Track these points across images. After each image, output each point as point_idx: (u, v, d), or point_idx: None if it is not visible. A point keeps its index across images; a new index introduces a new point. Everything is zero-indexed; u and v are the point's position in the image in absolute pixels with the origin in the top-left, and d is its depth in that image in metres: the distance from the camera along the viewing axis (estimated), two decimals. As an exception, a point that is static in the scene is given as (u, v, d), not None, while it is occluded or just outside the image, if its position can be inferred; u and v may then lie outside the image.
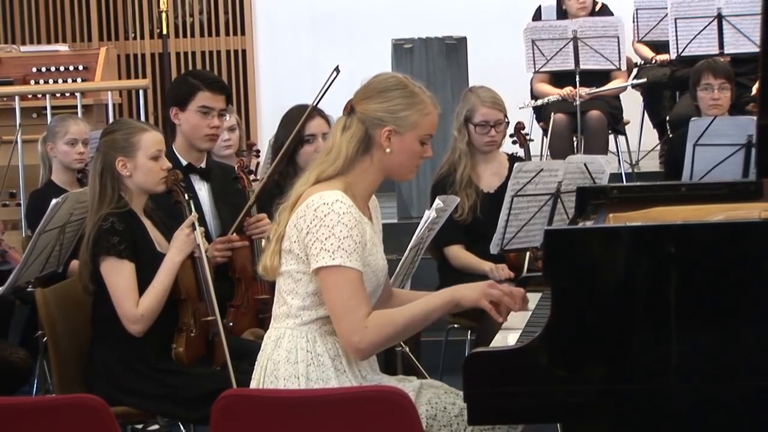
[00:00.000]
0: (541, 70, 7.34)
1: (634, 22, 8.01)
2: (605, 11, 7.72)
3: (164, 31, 9.17)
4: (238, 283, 4.56)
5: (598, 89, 7.30)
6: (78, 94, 7.91)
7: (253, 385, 3.30)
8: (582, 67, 7.21)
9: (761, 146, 3.19)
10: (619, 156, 7.66)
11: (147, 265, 4.05)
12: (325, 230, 3.12)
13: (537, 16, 7.92)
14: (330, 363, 3.21)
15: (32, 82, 8.86)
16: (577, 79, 7.19)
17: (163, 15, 9.16)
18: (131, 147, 4.11)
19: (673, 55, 7.34)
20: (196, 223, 4.11)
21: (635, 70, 8.12)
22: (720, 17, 7.10)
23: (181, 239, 4.09)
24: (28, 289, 5.13)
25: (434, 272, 5.38)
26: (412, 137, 3.25)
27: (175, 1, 10.18)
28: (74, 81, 8.70)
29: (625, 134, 7.73)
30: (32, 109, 8.29)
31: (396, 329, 3.17)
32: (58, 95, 8.35)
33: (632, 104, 8.10)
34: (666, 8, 7.38)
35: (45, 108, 7.78)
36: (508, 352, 2.95)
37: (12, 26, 10.36)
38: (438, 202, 4.09)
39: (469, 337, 5.26)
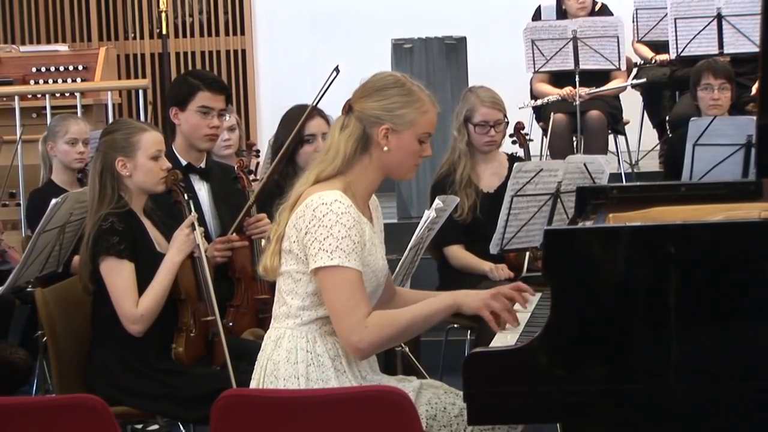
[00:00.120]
0: (541, 70, 7.34)
1: (633, 22, 8.01)
2: (605, 11, 7.72)
3: (164, 31, 9.17)
4: (237, 283, 4.56)
5: (597, 89, 7.30)
6: (78, 94, 7.91)
7: (252, 385, 3.30)
8: (582, 67, 7.21)
9: (761, 146, 3.19)
10: (618, 156, 7.66)
11: (147, 265, 4.05)
12: (323, 230, 3.12)
13: (537, 16, 7.92)
14: (330, 363, 3.21)
15: (32, 82, 8.86)
16: (577, 79, 7.19)
17: (163, 15, 9.16)
18: (131, 147, 4.11)
19: (672, 55, 7.35)
20: (196, 223, 4.11)
21: (635, 70, 8.13)
22: (720, 17, 7.10)
23: (181, 239, 4.09)
24: (28, 289, 5.13)
25: (434, 272, 5.38)
26: (410, 135, 3.24)
27: (174, 1, 10.18)
28: (74, 81, 8.70)
29: (624, 134, 7.73)
30: (32, 109, 8.29)
31: (396, 330, 3.17)
32: (57, 95, 8.35)
33: (632, 104, 8.11)
34: (666, 8, 7.38)
35: (45, 108, 7.79)
36: (507, 352, 2.95)
37: (12, 26, 10.36)
38: (438, 202, 4.09)
39: (469, 337, 5.26)
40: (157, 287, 4.03)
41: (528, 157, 5.69)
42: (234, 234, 4.53)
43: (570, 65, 7.23)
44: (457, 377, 2.99)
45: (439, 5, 9.62)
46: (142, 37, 10.38)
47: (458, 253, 5.23)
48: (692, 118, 6.03)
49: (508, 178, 5.00)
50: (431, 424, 3.23)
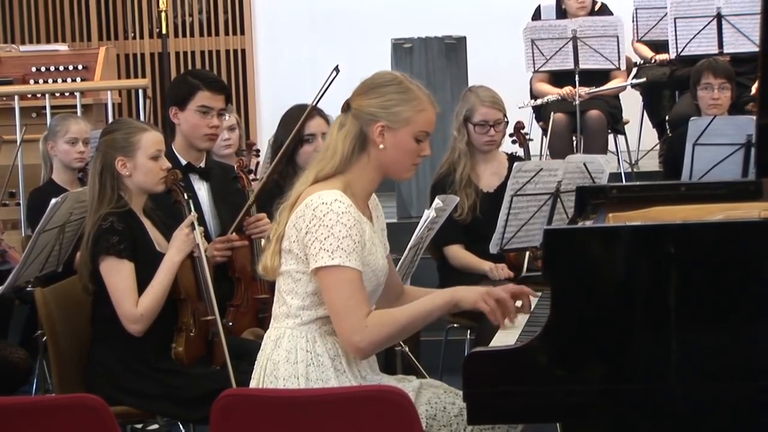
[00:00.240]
0: (541, 69, 7.35)
1: (633, 21, 8.01)
2: (605, 11, 7.72)
3: (164, 31, 9.17)
4: (237, 282, 4.56)
5: (597, 89, 7.30)
6: (77, 94, 7.91)
7: (252, 384, 3.29)
8: (581, 66, 7.21)
9: (761, 146, 3.19)
10: (618, 156, 7.66)
11: (146, 265, 4.05)
12: (323, 230, 3.12)
13: (536, 15, 7.92)
14: (330, 363, 3.20)
15: (32, 81, 8.85)
16: (577, 78, 7.19)
17: (163, 15, 9.16)
18: (131, 147, 4.11)
19: (672, 55, 7.35)
20: (196, 223, 4.11)
21: (635, 70, 8.13)
22: (719, 17, 7.10)
23: (181, 239, 4.09)
24: (28, 289, 5.13)
25: (434, 272, 5.38)
26: (406, 133, 3.23)
27: (174, 1, 10.18)
28: (74, 81, 8.70)
29: (624, 134, 7.73)
30: (32, 109, 8.29)
31: (396, 328, 3.17)
32: (57, 95, 8.35)
33: (632, 104, 8.11)
34: (665, 8, 7.38)
35: (44, 108, 7.78)
36: (507, 352, 2.95)
37: (11, 26, 10.36)
38: (437, 201, 4.09)
39: (468, 336, 5.26)
40: (157, 287, 4.03)
41: (528, 156, 5.69)
42: (234, 234, 4.52)
43: (570, 65, 7.23)
44: (457, 377, 2.99)
45: (439, 5, 9.62)
46: (142, 37, 10.38)
47: (458, 253, 5.23)
48: (692, 118, 6.03)
49: (508, 177, 5.00)
50: (431, 424, 3.23)
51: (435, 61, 7.36)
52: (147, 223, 4.17)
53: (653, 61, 7.94)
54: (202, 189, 4.68)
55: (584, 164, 4.99)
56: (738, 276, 2.88)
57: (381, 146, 3.22)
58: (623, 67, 7.39)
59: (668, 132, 7.33)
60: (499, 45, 8.77)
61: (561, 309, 2.90)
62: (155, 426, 4.69)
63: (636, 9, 8.03)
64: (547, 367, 2.89)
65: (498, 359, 2.94)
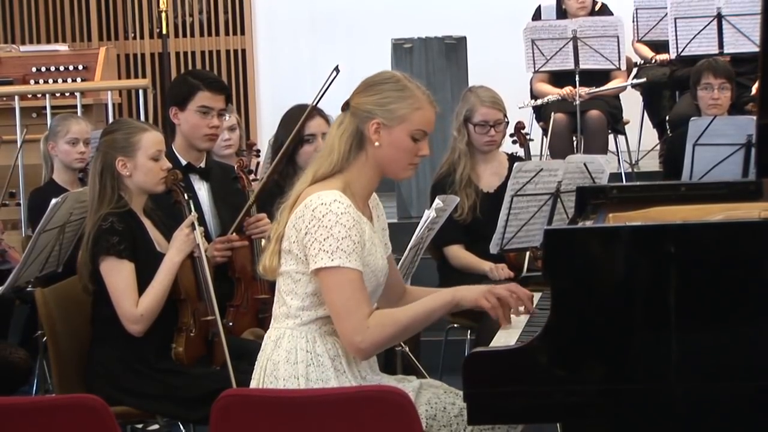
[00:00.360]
0: (541, 69, 7.35)
1: (633, 21, 8.01)
2: (605, 11, 7.72)
3: (164, 31, 9.17)
4: (237, 282, 4.56)
5: (597, 89, 7.30)
6: (78, 94, 7.91)
7: (252, 385, 3.29)
8: (582, 66, 7.21)
9: (761, 146, 3.19)
10: (618, 156, 7.66)
11: (146, 265, 4.05)
12: (323, 231, 3.12)
13: (537, 15, 7.92)
14: (330, 363, 3.20)
15: (32, 81, 8.85)
16: (577, 78, 7.20)
17: (163, 15, 9.16)
18: (131, 147, 4.11)
19: (672, 55, 7.35)
20: (196, 223, 4.11)
21: (635, 70, 8.13)
22: (720, 17, 7.10)
23: (181, 239, 4.09)
24: (28, 289, 5.13)
25: (434, 272, 5.38)
26: (402, 131, 3.22)
27: (174, 1, 10.18)
28: (74, 81, 8.70)
29: (624, 134, 7.73)
30: (32, 109, 8.28)
31: (398, 329, 3.17)
32: (57, 95, 8.34)
33: (632, 104, 8.11)
34: (666, 8, 7.38)
35: (45, 108, 7.78)
36: (507, 352, 2.95)
37: (12, 26, 10.36)
38: (438, 201, 4.09)
39: (469, 337, 5.26)
40: (157, 287, 4.03)
41: (528, 156, 5.69)
42: (234, 234, 4.52)
43: (570, 65, 7.23)
44: (457, 377, 2.99)
45: (439, 5, 9.62)
46: (142, 37, 10.38)
47: (458, 253, 5.23)
48: (692, 118, 6.03)
49: (508, 177, 5.00)
50: (431, 424, 3.23)
51: (435, 61, 7.36)
52: (147, 224, 4.17)
53: (653, 61, 7.94)
54: (202, 189, 4.67)
55: (584, 164, 4.99)
56: (738, 276, 2.88)
57: (376, 144, 3.21)
58: (623, 67, 7.39)
59: (668, 132, 7.32)
60: (499, 45, 8.77)
61: (561, 309, 2.90)
62: (155, 426, 4.69)
63: (636, 9, 8.03)
64: (547, 367, 2.89)
65: (498, 359, 2.94)
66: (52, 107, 7.65)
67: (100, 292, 4.06)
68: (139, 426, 4.85)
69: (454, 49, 7.40)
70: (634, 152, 8.20)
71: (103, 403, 2.85)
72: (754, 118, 3.39)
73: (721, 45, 7.12)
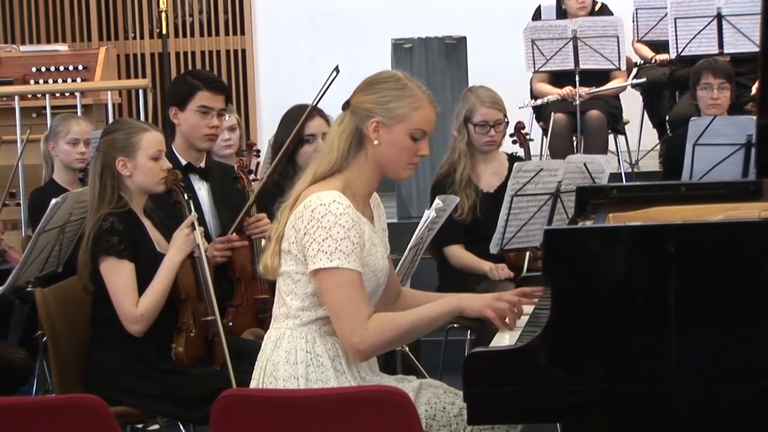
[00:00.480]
0: (541, 69, 7.35)
1: (633, 21, 8.01)
2: (605, 11, 7.72)
3: (164, 31, 9.17)
4: (237, 282, 4.56)
5: (597, 89, 7.30)
6: (78, 94, 7.91)
7: (252, 385, 3.29)
8: (582, 66, 7.21)
9: (761, 146, 3.19)
10: (618, 156, 7.67)
11: (147, 265, 4.05)
12: (322, 231, 3.12)
13: (537, 15, 7.92)
14: (329, 364, 3.20)
15: (32, 81, 8.85)
16: (577, 78, 7.20)
17: (163, 15, 9.16)
18: (131, 147, 4.11)
19: (672, 55, 7.35)
20: (196, 223, 4.11)
21: (635, 70, 8.13)
22: (720, 17, 7.10)
23: (181, 239, 4.09)
24: (28, 289, 5.13)
25: (434, 272, 5.38)
26: (401, 130, 3.21)
27: (174, 1, 10.18)
28: (74, 81, 8.70)
29: (624, 134, 7.73)
30: (32, 109, 8.28)
31: (398, 333, 3.17)
32: (57, 95, 8.35)
33: (632, 104, 8.11)
34: (666, 8, 7.38)
35: (45, 108, 7.78)
36: (507, 352, 2.95)
37: (12, 26, 10.36)
38: (438, 201, 4.09)
39: (469, 337, 5.26)
40: (157, 287, 4.03)
41: (528, 156, 5.69)
42: (234, 234, 4.53)
43: (570, 65, 7.23)
44: (457, 377, 2.99)
45: (439, 5, 9.62)
46: (142, 37, 10.38)
47: (458, 253, 5.23)
48: (692, 118, 6.04)
49: (508, 177, 5.00)
50: (431, 424, 3.23)
51: (435, 61, 7.36)
52: (147, 224, 4.17)
53: (653, 61, 7.94)
54: (202, 189, 4.68)
55: (584, 164, 4.99)
56: (738, 276, 2.88)
57: (376, 142, 3.21)
58: (623, 67, 7.39)
59: (668, 132, 7.33)
60: (499, 45, 8.77)
61: (561, 309, 2.90)
62: (155, 426, 4.69)
63: (636, 9, 8.03)
64: (547, 367, 2.89)
65: (498, 359, 2.94)
66: (52, 107, 7.65)
67: (100, 292, 4.06)
68: (139, 426, 4.85)
69: (454, 49, 7.40)
70: (634, 152, 8.20)
71: (103, 403, 2.85)
72: (754, 118, 3.39)
73: (721, 45, 7.12)
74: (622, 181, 7.20)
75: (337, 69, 4.51)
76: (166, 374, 4.04)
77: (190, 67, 10.10)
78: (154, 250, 4.12)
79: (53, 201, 4.62)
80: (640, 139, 8.39)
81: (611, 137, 7.50)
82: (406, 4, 9.72)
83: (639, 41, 8.07)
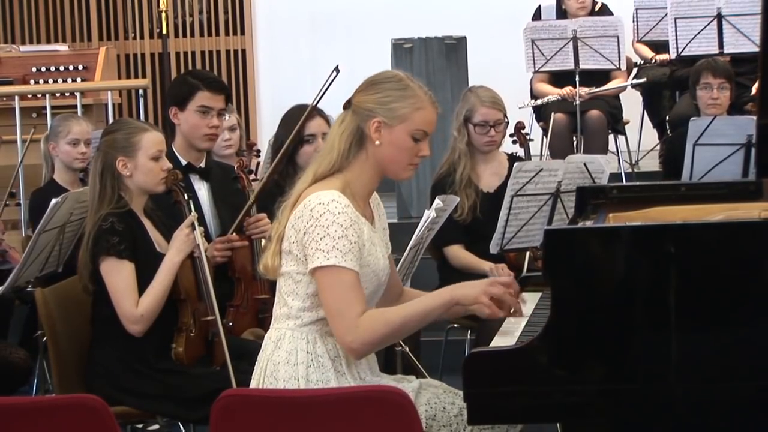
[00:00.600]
0: (541, 69, 7.34)
1: (633, 21, 8.01)
2: (605, 11, 7.72)
3: (164, 31, 9.17)
4: (237, 282, 4.56)
5: (597, 89, 7.30)
6: (78, 94, 7.91)
7: (252, 385, 3.29)
8: (582, 66, 7.21)
9: (761, 146, 3.19)
10: (618, 156, 7.67)
11: (147, 266, 4.05)
12: (320, 230, 3.11)
13: (537, 15, 7.92)
14: (330, 364, 3.20)
15: (32, 81, 8.86)
16: (577, 78, 7.19)
17: (163, 15, 9.16)
18: (132, 147, 4.11)
19: (672, 55, 7.35)
20: (196, 223, 4.11)
21: (635, 70, 8.13)
22: (720, 17, 7.10)
23: (181, 239, 4.09)
24: (28, 289, 5.13)
25: (434, 272, 5.38)
26: (402, 130, 3.21)
27: (174, 1, 10.18)
28: (74, 81, 8.70)
29: (624, 134, 7.73)
30: (32, 109, 8.29)
31: (390, 329, 3.14)
32: (57, 95, 8.34)
33: (632, 104, 8.11)
34: (666, 8, 7.38)
35: (45, 108, 7.78)
36: (507, 352, 2.95)
37: (12, 26, 10.36)
38: (438, 201, 4.09)
39: (469, 337, 5.26)
40: (157, 287, 4.03)
41: (528, 156, 5.69)
42: (234, 234, 4.53)
43: (570, 65, 7.23)
44: (457, 377, 2.99)
45: (439, 5, 9.62)
46: (142, 37, 10.38)
47: (458, 253, 5.23)
48: (692, 118, 6.04)
49: (508, 177, 5.00)
50: (430, 424, 3.23)
51: (435, 61, 7.36)
52: (147, 224, 4.17)
53: (653, 61, 7.94)
54: (202, 189, 4.68)
55: (584, 164, 4.99)
56: (738, 276, 2.89)
57: (377, 142, 3.21)
58: (623, 67, 7.39)
59: (668, 132, 7.33)
60: (499, 45, 8.77)
61: (561, 309, 2.90)
62: (155, 426, 4.69)
63: (636, 9, 8.03)
64: (547, 367, 2.89)
65: (498, 359, 2.94)
66: (52, 107, 7.65)
67: (100, 292, 4.06)
68: (139, 426, 4.85)
69: (454, 49, 7.40)
70: (634, 152, 8.20)
71: (103, 403, 2.85)
72: (754, 118, 3.40)
73: (721, 45, 7.12)
74: (622, 181, 7.20)
75: (337, 69, 4.51)
76: (166, 374, 4.04)
77: (190, 67, 10.10)
78: (154, 250, 4.12)
79: (53, 201, 4.62)
80: (640, 139, 8.39)
81: (611, 137, 7.50)
82: (406, 4, 9.72)
83: (639, 41, 8.07)
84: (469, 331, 5.22)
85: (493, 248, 4.94)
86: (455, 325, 5.26)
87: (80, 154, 5.75)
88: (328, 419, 2.79)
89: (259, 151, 5.72)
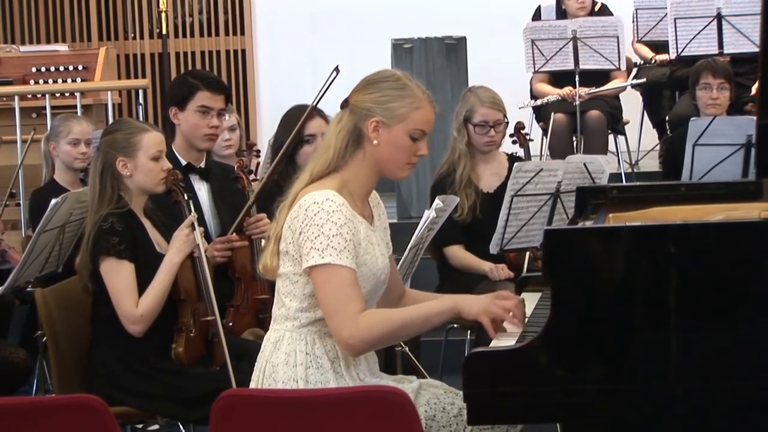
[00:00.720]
0: (541, 69, 7.35)
1: (633, 22, 8.01)
2: (605, 11, 7.73)
3: (164, 31, 9.18)
4: (237, 283, 4.56)
5: (597, 89, 7.30)
6: (77, 94, 7.91)
7: (251, 386, 3.29)
8: (581, 67, 7.21)
9: (761, 146, 3.19)
10: (618, 156, 7.67)
11: (146, 266, 4.05)
12: (315, 229, 3.11)
13: (536, 16, 7.92)
14: (329, 365, 3.19)
15: (32, 82, 8.86)
16: (577, 78, 7.20)
17: (163, 15, 9.17)
18: (132, 147, 4.11)
19: (672, 55, 7.35)
20: (196, 223, 4.11)
21: (635, 70, 8.13)
22: (719, 17, 7.10)
23: (181, 239, 4.09)
24: (28, 289, 5.13)
25: (434, 272, 5.38)
26: (401, 130, 3.20)
27: (174, 1, 10.18)
28: (74, 81, 8.70)
29: (624, 134, 7.73)
30: (32, 109, 8.29)
31: (389, 329, 3.14)
32: (57, 95, 8.35)
33: (632, 104, 8.11)
34: (666, 8, 7.38)
35: (44, 108, 7.78)
36: (507, 352, 2.95)
37: (12, 26, 10.36)
38: (437, 201, 4.09)
39: (469, 337, 5.26)
40: (157, 287, 4.03)
41: (528, 157, 5.69)
42: (234, 234, 4.53)
43: (570, 65, 7.23)
44: (457, 377, 2.99)
45: (439, 5, 9.62)
46: (142, 37, 10.38)
47: (458, 253, 5.23)
48: (692, 118, 6.04)
49: (508, 178, 5.00)
50: (430, 425, 3.23)
51: (435, 61, 7.36)
52: (147, 224, 4.17)
53: (653, 61, 7.94)
54: (202, 189, 4.68)
55: (584, 164, 4.99)
56: (738, 276, 2.88)
57: (375, 142, 3.20)
58: (623, 67, 7.39)
59: (668, 132, 7.33)
60: (499, 45, 8.77)
61: (561, 309, 2.90)
62: (155, 426, 4.69)
63: (636, 9, 8.03)
64: (547, 367, 2.89)
65: (498, 359, 2.94)
66: (52, 107, 7.65)
67: (100, 292, 4.06)
68: (139, 426, 4.84)
69: (454, 49, 7.40)
70: (633, 152, 8.20)
71: (103, 403, 2.85)
72: (754, 118, 3.40)
73: (720, 45, 7.12)
74: (622, 181, 7.21)
75: (337, 69, 4.51)
76: (166, 374, 4.04)
77: (190, 67, 10.10)
78: (154, 250, 4.12)
79: (53, 201, 4.62)
80: (639, 140, 8.39)
81: (611, 137, 7.50)
82: (406, 4, 9.72)
83: (639, 41, 8.07)
84: (469, 331, 5.22)
85: (493, 248, 4.94)
86: (455, 325, 5.25)
87: (81, 154, 5.75)
88: (328, 419, 2.79)
89: (259, 151, 5.72)
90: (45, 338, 4.16)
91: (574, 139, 7.34)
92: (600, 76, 7.36)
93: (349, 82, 3.51)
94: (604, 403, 2.90)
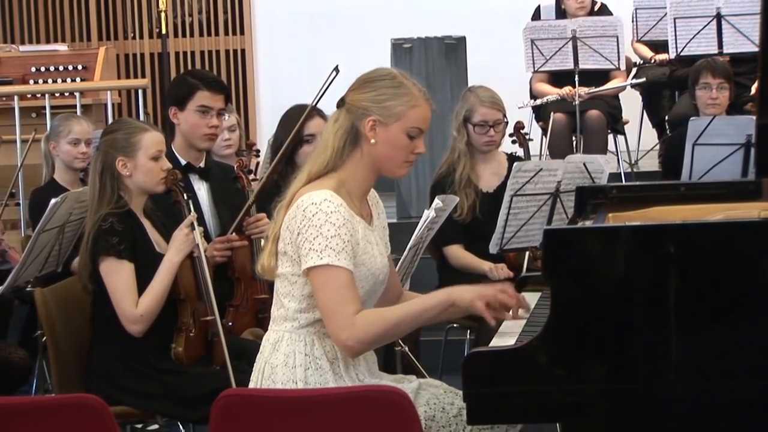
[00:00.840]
0: (541, 69, 7.35)
1: (633, 21, 8.02)
2: (604, 11, 7.73)
3: (163, 31, 9.18)
4: (237, 282, 4.56)
5: (597, 89, 7.30)
6: (77, 94, 7.91)
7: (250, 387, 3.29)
8: (581, 66, 7.22)
9: (760, 146, 3.19)
10: (618, 156, 7.67)
11: (146, 266, 4.05)
12: (313, 230, 3.11)
13: (536, 15, 7.93)
14: (328, 366, 3.19)
15: (31, 81, 8.85)
16: (577, 78, 7.20)
17: (163, 15, 9.17)
18: (132, 147, 4.11)
19: (672, 55, 7.35)
20: (195, 223, 4.11)
21: (634, 70, 8.13)
22: (719, 17, 7.10)
23: (180, 239, 4.09)
24: (28, 289, 5.12)
25: (434, 272, 5.38)
26: (398, 129, 3.20)
27: (174, 1, 10.18)
28: (73, 81, 8.70)
29: (624, 134, 7.74)
30: (31, 109, 8.29)
31: (385, 327, 3.13)
32: (57, 95, 8.35)
33: (631, 104, 8.11)
34: (665, 8, 7.39)
35: (44, 108, 7.78)
36: (507, 352, 2.95)
37: (11, 26, 10.37)
38: (437, 201, 4.08)
39: (468, 336, 5.26)
40: (157, 287, 4.03)
41: (528, 156, 5.69)
42: (233, 234, 4.53)
43: (569, 65, 7.24)
44: (457, 377, 2.99)
45: (439, 5, 9.62)
46: (141, 37, 10.38)
47: (458, 253, 5.23)
48: (692, 118, 6.04)
49: (507, 177, 5.00)
50: (429, 425, 3.23)
51: (435, 61, 7.36)
52: (147, 224, 4.17)
53: (653, 61, 7.94)
54: (201, 189, 4.68)
55: (584, 164, 4.99)
56: (738, 276, 2.88)
57: (372, 141, 3.20)
58: (623, 67, 7.39)
59: (668, 132, 7.33)
60: (499, 45, 8.78)
61: (561, 309, 2.90)
62: (155, 426, 4.69)
63: (636, 9, 8.04)
64: (547, 367, 2.89)
65: (498, 359, 2.94)
66: (52, 107, 7.65)
67: (99, 292, 4.06)
68: (139, 426, 4.85)
69: (453, 49, 7.40)
70: (633, 152, 8.21)
71: (103, 403, 2.85)
72: (754, 118, 3.39)
73: (720, 45, 7.12)
74: (622, 181, 7.21)
75: (336, 69, 4.50)
76: (166, 374, 4.04)
77: (189, 67, 10.10)
78: (154, 250, 4.12)
79: (53, 201, 4.62)
80: (639, 139, 8.40)
81: (611, 137, 7.50)
82: (406, 4, 9.72)
83: (638, 41, 8.08)
84: (468, 331, 5.23)
85: (493, 248, 4.94)
86: (455, 325, 5.26)
87: (81, 154, 5.75)
88: (328, 419, 2.79)
89: (258, 151, 5.72)
90: (44, 338, 4.16)
91: (573, 138, 7.34)
92: (599, 76, 7.36)
93: (348, 82, 3.51)
94: (604, 403, 2.90)
